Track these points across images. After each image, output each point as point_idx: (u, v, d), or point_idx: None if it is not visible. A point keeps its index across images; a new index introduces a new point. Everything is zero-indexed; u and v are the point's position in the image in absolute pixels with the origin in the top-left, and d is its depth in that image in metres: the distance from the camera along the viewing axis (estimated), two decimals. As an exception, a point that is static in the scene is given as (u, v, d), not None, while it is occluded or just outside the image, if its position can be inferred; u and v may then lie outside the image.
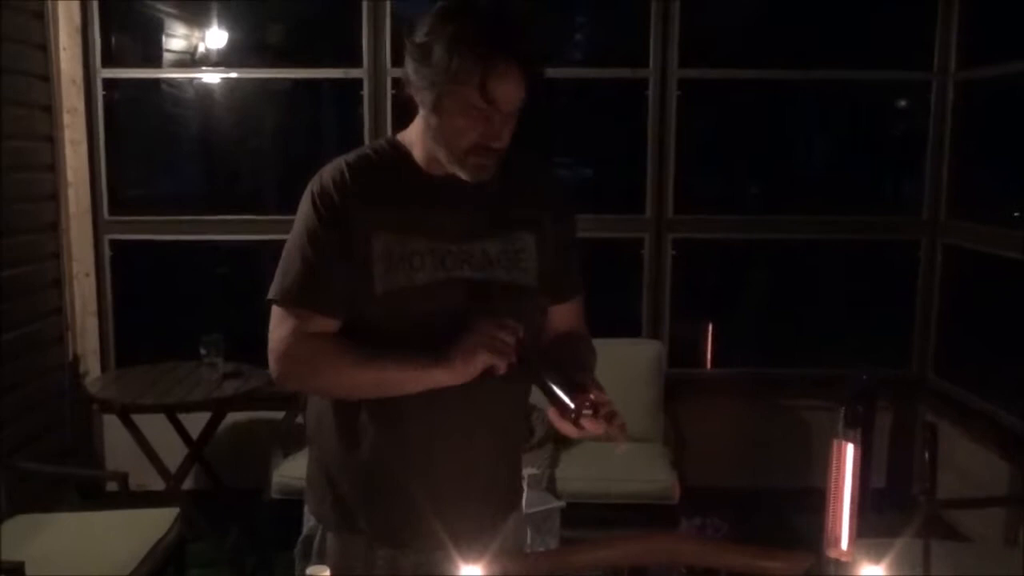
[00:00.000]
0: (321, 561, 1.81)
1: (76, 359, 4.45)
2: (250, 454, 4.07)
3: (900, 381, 4.61)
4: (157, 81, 4.80)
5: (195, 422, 4.03)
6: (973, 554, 3.41)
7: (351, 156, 1.75)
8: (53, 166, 4.31)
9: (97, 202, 4.47)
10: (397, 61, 4.16)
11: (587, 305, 1.93)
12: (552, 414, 1.62)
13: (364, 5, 4.38)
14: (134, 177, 4.83)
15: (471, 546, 1.68)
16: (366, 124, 4.44)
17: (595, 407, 1.58)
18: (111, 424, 4.27)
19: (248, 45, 4.83)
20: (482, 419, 1.74)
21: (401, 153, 1.76)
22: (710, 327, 4.85)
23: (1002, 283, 4.16)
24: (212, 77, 4.69)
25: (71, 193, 4.40)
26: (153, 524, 3.20)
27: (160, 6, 4.75)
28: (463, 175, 1.68)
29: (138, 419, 3.91)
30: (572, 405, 1.58)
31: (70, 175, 4.39)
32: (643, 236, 4.57)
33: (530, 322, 1.71)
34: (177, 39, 4.79)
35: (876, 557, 1.63)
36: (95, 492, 4.31)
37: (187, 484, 4.07)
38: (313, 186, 1.73)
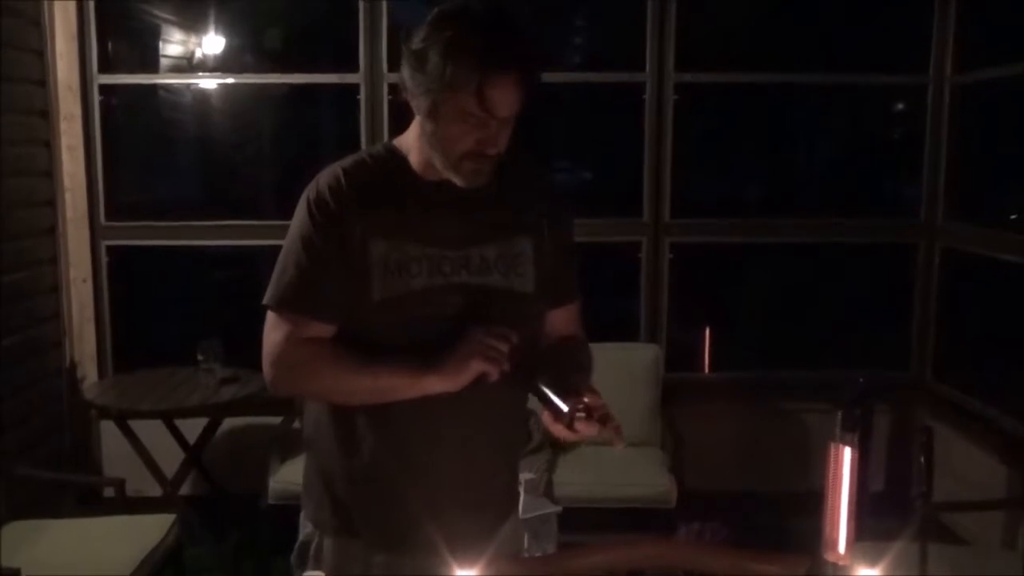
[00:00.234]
0: (318, 566, 1.81)
1: (73, 365, 4.44)
2: (247, 459, 4.07)
3: (898, 384, 4.61)
4: (154, 87, 4.80)
5: (192, 428, 4.03)
6: (971, 557, 3.41)
7: (347, 162, 1.75)
8: (50, 172, 4.31)
9: (94, 208, 4.47)
10: (394, 66, 4.15)
11: (584, 309, 1.93)
12: (546, 418, 1.62)
13: (361, 10, 4.38)
14: (131, 182, 4.82)
15: (468, 551, 1.68)
16: (363, 129, 4.44)
17: (589, 410, 1.58)
18: (108, 430, 4.27)
19: (245, 50, 4.83)
20: (479, 425, 1.74)
21: (397, 158, 1.76)
22: (708, 331, 4.85)
23: (1000, 286, 4.17)
24: (209, 82, 4.69)
25: (68, 199, 4.40)
26: (150, 530, 3.19)
27: (157, 12, 4.75)
28: (458, 181, 1.68)
29: (135, 425, 3.91)
30: (565, 408, 1.57)
31: (67, 181, 4.39)
32: (641, 240, 4.57)
33: (528, 327, 1.71)
34: (174, 45, 4.79)
35: (874, 560, 1.63)
36: (92, 498, 4.30)
37: (184, 490, 4.07)
38: (309, 192, 1.73)
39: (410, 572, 1.78)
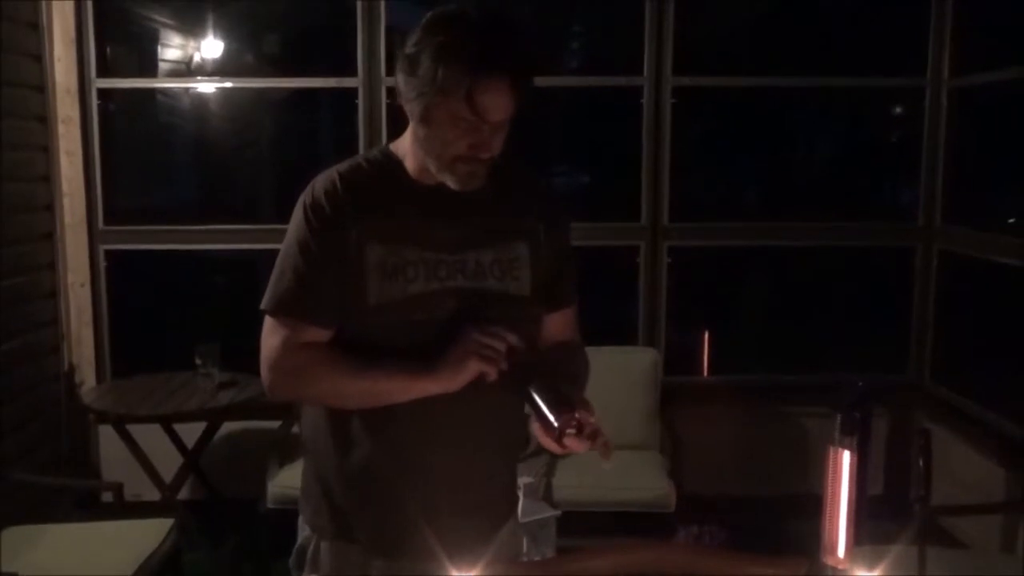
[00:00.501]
0: (315, 571, 1.81)
1: (71, 369, 4.44)
2: (246, 464, 4.06)
3: (897, 387, 4.61)
4: (152, 91, 4.81)
5: (191, 432, 4.03)
6: (970, 560, 3.41)
7: (343, 166, 1.76)
8: (48, 176, 4.30)
9: (92, 212, 4.46)
10: (392, 70, 4.14)
11: (583, 313, 1.93)
12: (537, 429, 1.60)
13: (359, 15, 4.38)
14: (129, 187, 4.82)
15: (466, 554, 1.68)
16: (361, 133, 4.44)
17: (579, 426, 1.57)
18: (106, 434, 4.26)
19: (243, 54, 4.83)
20: (476, 428, 1.74)
21: (393, 163, 1.76)
22: (706, 334, 4.85)
23: (997, 289, 4.17)
24: (207, 87, 4.69)
25: (66, 203, 4.40)
26: (148, 534, 3.19)
27: (155, 16, 4.75)
28: (452, 184, 1.68)
29: (133, 429, 3.91)
30: (556, 424, 1.56)
31: (65, 185, 4.39)
32: (639, 244, 4.57)
33: (524, 331, 1.71)
34: (172, 49, 4.79)
35: (873, 564, 1.63)
36: (90, 502, 4.29)
37: (183, 494, 4.07)
38: (305, 197, 1.73)
39: (408, 576, 1.78)
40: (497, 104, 1.59)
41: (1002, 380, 4.00)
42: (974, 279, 4.43)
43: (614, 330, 4.61)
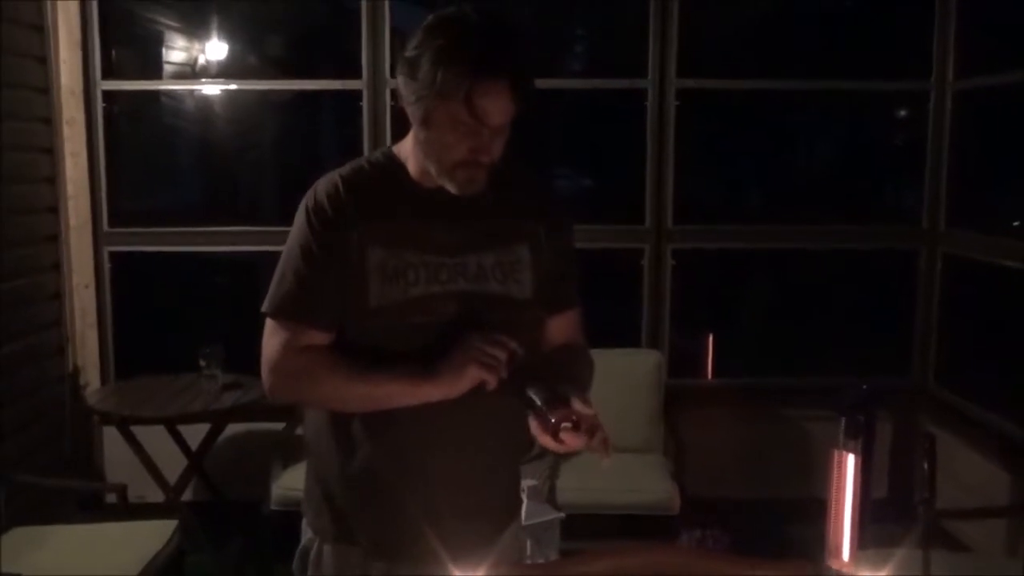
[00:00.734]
0: (318, 573, 1.81)
1: (76, 371, 4.44)
2: (250, 466, 4.06)
3: (900, 391, 4.60)
4: (157, 93, 4.81)
5: (194, 434, 4.02)
6: (974, 564, 3.40)
7: (346, 169, 1.76)
8: (53, 178, 4.31)
9: (97, 214, 4.47)
10: (396, 73, 4.16)
11: (586, 316, 1.92)
12: (534, 428, 1.60)
13: (363, 16, 4.39)
14: (134, 189, 4.83)
15: (468, 559, 1.68)
16: (365, 135, 4.45)
17: (577, 422, 1.57)
18: (111, 436, 4.26)
19: (247, 57, 4.84)
20: (477, 432, 1.74)
21: (396, 165, 1.76)
22: (710, 337, 4.85)
23: (1001, 292, 4.16)
24: (212, 89, 4.70)
25: (71, 205, 4.40)
26: (152, 536, 3.20)
27: (160, 18, 4.76)
28: (452, 188, 1.68)
29: (137, 431, 3.91)
30: (552, 419, 1.56)
31: (70, 187, 4.39)
32: (643, 246, 4.57)
33: (526, 334, 1.71)
34: (177, 51, 4.80)
35: (877, 567, 1.63)
36: (94, 504, 4.30)
37: (186, 496, 4.07)
38: (307, 200, 1.73)
39: (410, 579, 1.78)
40: (496, 107, 1.59)
41: (1006, 383, 4.00)
42: (978, 282, 4.43)
43: (617, 333, 4.61)
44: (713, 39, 4.75)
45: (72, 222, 4.41)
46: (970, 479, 3.92)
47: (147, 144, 4.95)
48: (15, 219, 3.96)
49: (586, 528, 3.51)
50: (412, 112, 1.66)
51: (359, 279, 1.67)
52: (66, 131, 4.36)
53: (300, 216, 1.73)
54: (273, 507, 3.74)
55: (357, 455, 1.76)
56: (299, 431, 3.90)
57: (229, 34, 4.73)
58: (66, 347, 4.39)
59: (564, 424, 1.56)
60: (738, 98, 4.72)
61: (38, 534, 3.24)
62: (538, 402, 1.58)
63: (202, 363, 4.08)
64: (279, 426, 4.06)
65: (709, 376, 4.82)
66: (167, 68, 4.80)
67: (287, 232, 1.76)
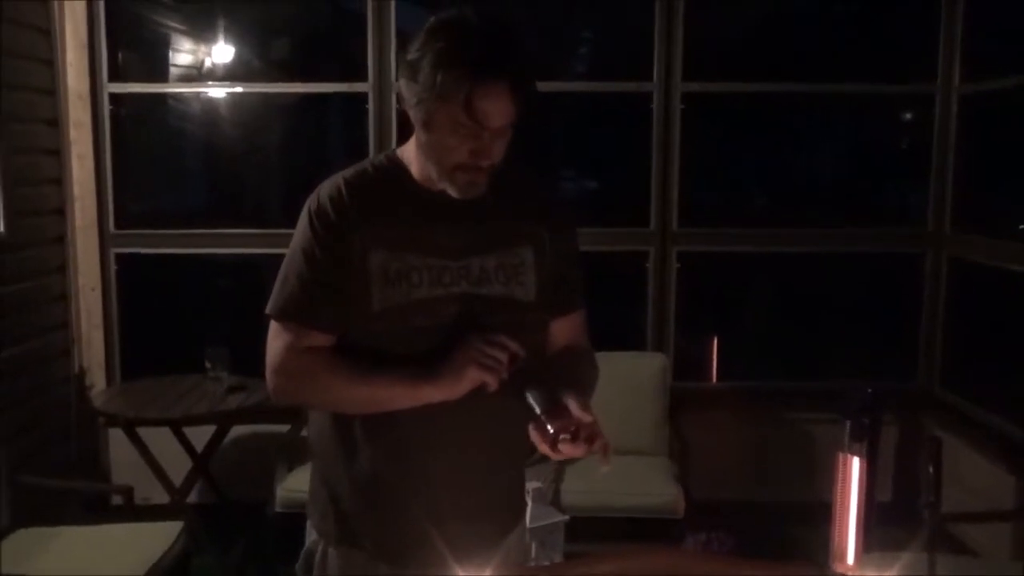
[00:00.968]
0: (323, 576, 1.81)
1: (82, 372, 4.45)
2: (255, 468, 4.07)
3: (906, 394, 4.59)
4: (163, 96, 4.82)
5: (200, 435, 4.03)
6: (980, 568, 3.40)
7: (349, 172, 1.76)
8: (59, 180, 4.32)
9: (103, 216, 4.48)
10: (398, 75, 4.17)
11: (591, 318, 1.92)
12: (534, 436, 1.60)
13: (369, 19, 4.40)
14: (140, 191, 4.84)
15: (472, 561, 1.68)
16: (371, 138, 4.46)
17: (575, 432, 1.56)
18: (116, 437, 4.28)
19: (254, 60, 4.84)
20: (479, 434, 1.74)
21: (399, 168, 1.76)
22: (715, 340, 4.85)
23: (1007, 296, 4.15)
24: (218, 91, 4.71)
25: (77, 207, 4.42)
26: (157, 538, 3.20)
27: (166, 21, 4.77)
28: (453, 192, 1.68)
29: (143, 432, 3.92)
30: (551, 430, 1.55)
31: (76, 189, 4.41)
32: (648, 249, 4.58)
33: (529, 337, 1.71)
34: (183, 54, 4.81)
35: (882, 571, 1.63)
36: (100, 505, 4.31)
37: (192, 498, 4.08)
38: (311, 203, 1.73)
39: (415, 582, 1.78)
40: (496, 110, 1.59)
41: (1011, 387, 3.99)
42: (983, 285, 4.42)
43: (622, 335, 4.61)
44: (718, 42, 4.75)
45: (78, 224, 4.42)
46: (975, 483, 3.92)
47: (153, 146, 4.96)
48: (22, 221, 3.97)
49: (591, 531, 3.51)
50: (413, 115, 1.66)
51: (362, 282, 1.68)
52: (73, 133, 4.37)
53: (303, 219, 1.73)
54: (278, 509, 3.74)
55: (360, 457, 1.76)
56: (304, 433, 3.91)
57: (235, 37, 4.73)
58: (72, 349, 4.40)
59: (563, 436, 1.55)
60: (743, 101, 4.71)
61: (43, 535, 3.25)
62: (537, 411, 1.57)
63: (207, 365, 4.09)
64: (284, 428, 4.07)
65: (714, 379, 4.82)
66: (173, 71, 4.81)
67: (292, 235, 1.76)
